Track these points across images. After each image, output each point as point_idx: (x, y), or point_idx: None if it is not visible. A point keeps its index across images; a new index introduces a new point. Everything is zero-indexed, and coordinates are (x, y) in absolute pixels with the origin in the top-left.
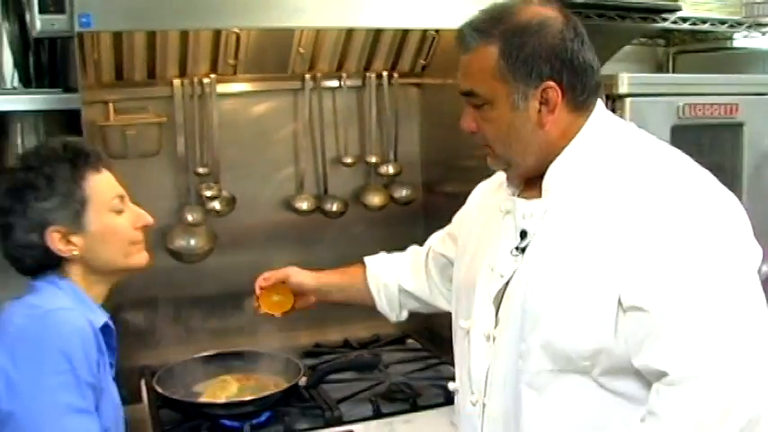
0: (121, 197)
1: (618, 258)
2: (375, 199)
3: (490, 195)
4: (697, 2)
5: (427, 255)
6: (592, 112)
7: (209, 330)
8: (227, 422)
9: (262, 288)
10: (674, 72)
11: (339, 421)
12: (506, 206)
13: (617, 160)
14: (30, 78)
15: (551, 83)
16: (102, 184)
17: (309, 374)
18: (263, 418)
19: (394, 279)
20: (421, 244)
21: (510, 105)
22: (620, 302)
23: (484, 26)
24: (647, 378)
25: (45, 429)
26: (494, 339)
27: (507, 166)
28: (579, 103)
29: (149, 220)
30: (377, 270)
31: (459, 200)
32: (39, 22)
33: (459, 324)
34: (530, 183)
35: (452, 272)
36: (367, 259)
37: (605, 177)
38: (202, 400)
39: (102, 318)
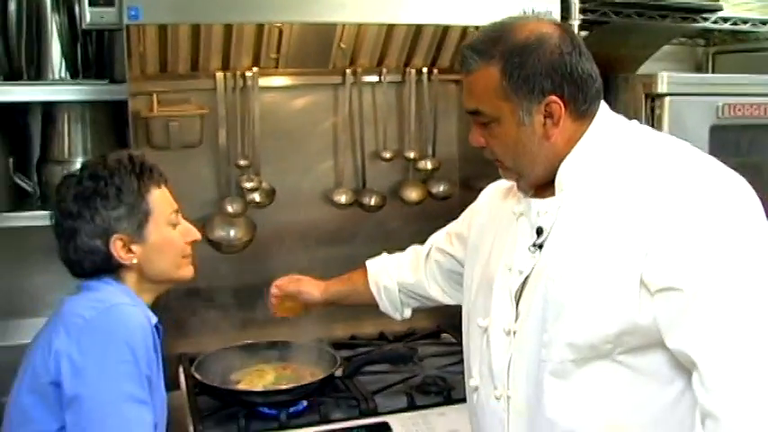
0: (177, 211)
1: (639, 242)
2: (413, 194)
3: (500, 200)
4: (738, 2)
5: (428, 253)
6: (595, 116)
7: (246, 320)
8: (263, 410)
9: (275, 297)
10: (713, 72)
11: (374, 412)
12: (519, 209)
13: (626, 151)
14: (77, 69)
15: (554, 97)
16: (162, 198)
17: (345, 365)
18: (299, 406)
19: (393, 278)
20: None
21: (515, 122)
22: (643, 284)
23: (483, 47)
24: (681, 361)
25: (107, 414)
26: (514, 333)
27: (519, 177)
28: (582, 112)
29: (198, 236)
30: (376, 271)
31: None
32: (88, 15)
33: (476, 323)
34: (539, 185)
35: (453, 267)
36: (368, 262)
37: (617, 168)
38: (240, 387)
39: (154, 318)
